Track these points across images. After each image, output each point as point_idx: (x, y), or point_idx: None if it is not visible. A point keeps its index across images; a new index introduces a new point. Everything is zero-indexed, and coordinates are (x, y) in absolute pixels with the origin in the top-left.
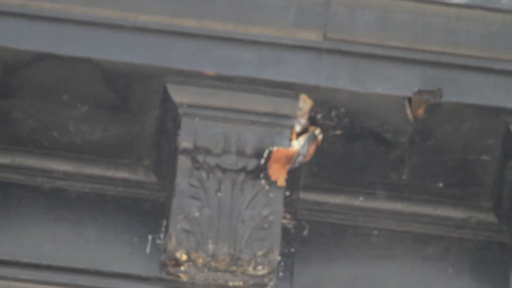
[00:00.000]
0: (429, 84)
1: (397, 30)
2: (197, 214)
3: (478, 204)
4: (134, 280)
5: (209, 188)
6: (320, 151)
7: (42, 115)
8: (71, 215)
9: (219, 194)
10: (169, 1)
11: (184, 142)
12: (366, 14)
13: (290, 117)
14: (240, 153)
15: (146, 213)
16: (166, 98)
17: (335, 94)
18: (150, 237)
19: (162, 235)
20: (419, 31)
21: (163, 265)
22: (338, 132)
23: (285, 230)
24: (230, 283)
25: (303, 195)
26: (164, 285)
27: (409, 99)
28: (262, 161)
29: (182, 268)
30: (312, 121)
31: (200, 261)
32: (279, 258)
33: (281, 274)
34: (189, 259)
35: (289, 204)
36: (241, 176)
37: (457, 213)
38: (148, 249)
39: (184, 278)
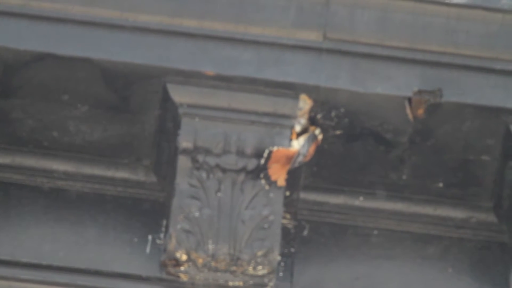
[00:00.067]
0: (429, 84)
1: (397, 30)
2: (197, 214)
3: (478, 204)
4: (134, 280)
5: (209, 188)
6: (320, 151)
7: (42, 115)
8: (71, 215)
9: (219, 194)
10: (169, 1)
11: (184, 142)
12: (366, 14)
13: (290, 117)
14: (240, 153)
15: (146, 213)
16: (166, 98)
17: (335, 94)
18: (150, 237)
19: (162, 235)
20: (419, 31)
21: (163, 265)
22: (338, 132)
23: (285, 230)
24: (230, 283)
25: (303, 195)
26: (164, 285)
27: (409, 99)
28: (262, 161)
29: (182, 268)
30: (312, 121)
31: (200, 261)
32: (279, 258)
33: (281, 274)
34: (189, 259)
35: (289, 204)
36: (241, 176)
37: (457, 213)
38: (148, 249)
39: (184, 278)
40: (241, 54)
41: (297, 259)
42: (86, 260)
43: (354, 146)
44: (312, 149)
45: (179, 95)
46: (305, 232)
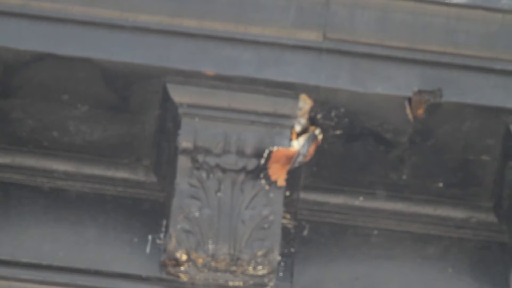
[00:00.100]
0: (429, 84)
1: (397, 30)
2: (197, 214)
3: (478, 204)
4: (134, 280)
5: (209, 188)
6: (320, 151)
7: (42, 115)
8: (71, 215)
9: (219, 194)
10: (169, 1)
11: (184, 142)
12: (366, 14)
13: (290, 117)
14: (240, 153)
15: (146, 213)
16: (166, 98)
17: (335, 94)
18: (150, 237)
19: (162, 235)
20: (419, 31)
21: (163, 265)
22: (338, 132)
23: (285, 230)
24: (230, 283)
25: (303, 195)
26: (164, 285)
27: (409, 99)
28: (262, 161)
29: (182, 268)
30: (312, 121)
31: (200, 261)
32: (279, 258)
33: (281, 274)
34: (189, 259)
35: (289, 204)
36: (241, 176)
37: (457, 213)
38: (148, 249)
39: (184, 278)
40: (241, 54)
41: (297, 259)
42: (86, 260)
43: (354, 146)
44: (312, 149)
45: (179, 95)
46: (305, 232)
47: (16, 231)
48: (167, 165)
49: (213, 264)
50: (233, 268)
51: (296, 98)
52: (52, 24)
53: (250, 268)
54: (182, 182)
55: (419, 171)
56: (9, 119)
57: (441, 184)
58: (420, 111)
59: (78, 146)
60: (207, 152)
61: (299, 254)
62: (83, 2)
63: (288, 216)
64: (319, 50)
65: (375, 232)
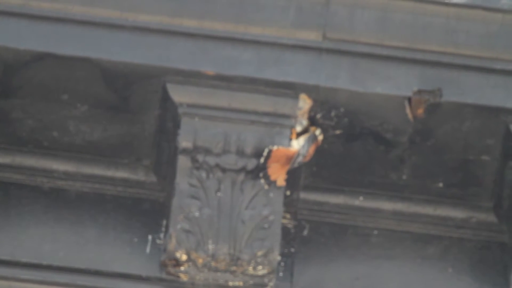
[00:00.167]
0: (429, 84)
1: (397, 30)
2: (197, 214)
3: (478, 204)
4: (134, 280)
5: (209, 188)
6: (320, 151)
7: (42, 115)
8: (71, 215)
9: (219, 194)
10: (169, 1)
11: (184, 142)
12: (365, 14)
13: (290, 116)
14: (240, 153)
15: (146, 213)
16: (165, 98)
17: (335, 94)
18: (150, 237)
19: (162, 235)
20: (419, 31)
21: (163, 265)
22: (338, 132)
23: (285, 230)
24: (230, 283)
25: (303, 195)
26: (164, 285)
27: (409, 99)
28: (262, 160)
29: (182, 268)
30: (312, 121)
31: (200, 261)
32: (279, 258)
33: (281, 274)
34: (189, 259)
35: (289, 204)
36: (241, 176)
37: (457, 213)
38: (148, 249)
39: (184, 278)
40: (241, 54)
41: (297, 259)
42: (86, 260)
43: (354, 146)
44: (312, 149)
45: (179, 95)
46: (305, 232)
47: (16, 231)
48: (167, 165)
49: (213, 264)
50: (233, 268)
51: (296, 98)
52: (52, 24)
53: (250, 268)
54: (182, 182)
55: (419, 171)
56: (9, 119)
57: (441, 184)
58: (420, 111)
59: (78, 146)
60: (207, 152)
61: (299, 254)
62: (83, 2)
63: (288, 216)
64: (319, 50)
65: (375, 232)
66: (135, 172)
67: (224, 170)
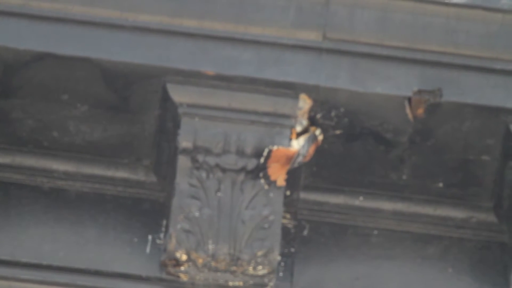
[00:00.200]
0: (429, 84)
1: (397, 30)
2: (197, 214)
3: (478, 204)
4: (134, 280)
5: (209, 188)
6: (320, 151)
7: (42, 115)
8: (71, 215)
9: (219, 194)
10: (169, 1)
11: (184, 142)
12: (365, 14)
13: (290, 116)
14: (240, 153)
15: (146, 213)
16: (166, 98)
17: (335, 93)
18: (150, 237)
19: (162, 235)
20: (419, 31)
21: (163, 265)
22: (338, 132)
23: (285, 230)
24: (230, 283)
25: (303, 195)
26: (164, 285)
27: (409, 99)
28: (262, 160)
29: (182, 268)
30: (312, 121)
31: (200, 261)
32: (279, 258)
33: (281, 274)
34: (189, 259)
35: (289, 204)
36: (241, 176)
37: (457, 213)
38: (148, 249)
39: (184, 278)
40: (241, 54)
41: (297, 259)
42: (86, 260)
43: (354, 146)
44: (312, 150)
45: (179, 95)
46: (305, 232)
47: (16, 231)
48: (167, 165)
49: (213, 264)
50: (233, 268)
51: (296, 98)
52: (52, 24)
53: (250, 268)
54: (182, 182)
55: (419, 171)
56: (9, 119)
57: (441, 184)
58: (420, 111)
59: (78, 146)
60: (207, 152)
61: (299, 254)
62: (83, 2)
63: (288, 216)
64: (319, 50)
65: (375, 232)
66: (135, 172)
67: (224, 170)
